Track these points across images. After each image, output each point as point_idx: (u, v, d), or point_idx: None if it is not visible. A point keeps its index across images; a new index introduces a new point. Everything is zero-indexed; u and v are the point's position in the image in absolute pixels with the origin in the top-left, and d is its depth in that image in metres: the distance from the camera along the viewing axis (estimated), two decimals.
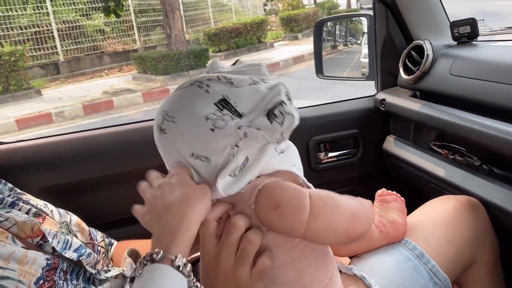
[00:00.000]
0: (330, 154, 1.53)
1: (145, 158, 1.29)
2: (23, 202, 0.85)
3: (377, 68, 1.53)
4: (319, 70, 1.69)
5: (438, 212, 1.03)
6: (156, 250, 0.59)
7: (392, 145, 1.46)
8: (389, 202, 0.95)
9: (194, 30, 11.78)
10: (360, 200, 0.70)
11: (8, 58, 7.64)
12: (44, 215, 0.86)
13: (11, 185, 0.89)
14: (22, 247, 0.71)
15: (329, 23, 1.90)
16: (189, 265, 0.60)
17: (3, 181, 0.88)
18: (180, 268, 0.58)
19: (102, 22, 10.29)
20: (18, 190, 0.89)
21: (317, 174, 1.51)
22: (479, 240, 1.00)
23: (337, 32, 1.91)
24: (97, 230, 0.99)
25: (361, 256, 0.95)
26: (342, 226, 0.66)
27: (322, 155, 1.51)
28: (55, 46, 9.38)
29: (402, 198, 0.97)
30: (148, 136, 1.33)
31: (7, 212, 0.77)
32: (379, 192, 0.98)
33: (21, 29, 8.97)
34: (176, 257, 0.59)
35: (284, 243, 0.68)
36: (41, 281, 0.69)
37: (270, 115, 0.62)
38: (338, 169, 1.54)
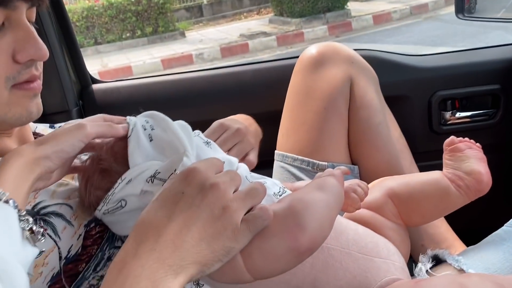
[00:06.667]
0: (459, 114, 1.25)
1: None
2: None
3: None
4: (459, 9, 1.36)
5: None
6: None
7: None
8: (462, 150, 0.78)
9: None
10: (299, 193, 0.56)
11: (157, 1, 8.17)
12: None
13: None
14: None
15: None
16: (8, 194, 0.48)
17: None
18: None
19: None
20: None
21: (439, 138, 1.23)
22: None
23: None
24: None
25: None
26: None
27: (448, 114, 1.24)
28: None
29: (478, 144, 0.79)
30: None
31: None
32: (447, 141, 0.80)
33: None
34: None
35: None
36: (92, 224, 0.65)
37: None
38: (467, 134, 1.23)
